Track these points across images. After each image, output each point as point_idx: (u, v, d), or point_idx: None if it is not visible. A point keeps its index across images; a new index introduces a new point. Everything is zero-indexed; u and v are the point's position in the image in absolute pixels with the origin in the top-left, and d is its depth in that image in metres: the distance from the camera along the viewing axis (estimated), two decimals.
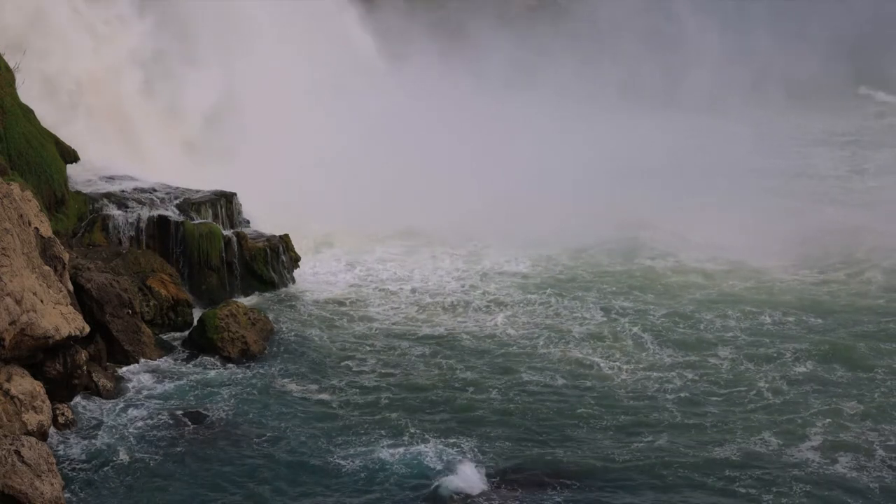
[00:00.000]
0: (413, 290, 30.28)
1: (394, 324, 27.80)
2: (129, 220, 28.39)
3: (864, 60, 57.83)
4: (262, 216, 31.02)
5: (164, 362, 25.08)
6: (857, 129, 52.06)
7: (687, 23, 56.16)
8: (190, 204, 29.55)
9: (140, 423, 22.11)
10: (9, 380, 20.78)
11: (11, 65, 28.24)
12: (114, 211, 28.60)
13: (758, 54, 55.48)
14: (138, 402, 23.04)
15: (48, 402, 21.15)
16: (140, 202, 29.13)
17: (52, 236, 23.77)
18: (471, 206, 35.02)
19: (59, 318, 21.73)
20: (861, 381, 24.08)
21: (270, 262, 29.57)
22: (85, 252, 27.13)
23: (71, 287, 23.73)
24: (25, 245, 21.82)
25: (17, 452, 18.71)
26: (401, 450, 21.01)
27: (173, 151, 34.64)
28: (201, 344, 25.61)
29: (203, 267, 28.71)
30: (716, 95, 49.51)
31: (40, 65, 30.91)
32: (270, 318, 27.09)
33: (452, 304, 29.22)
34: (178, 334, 26.62)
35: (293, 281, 29.99)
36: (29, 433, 20.16)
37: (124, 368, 24.54)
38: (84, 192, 28.86)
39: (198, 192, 30.28)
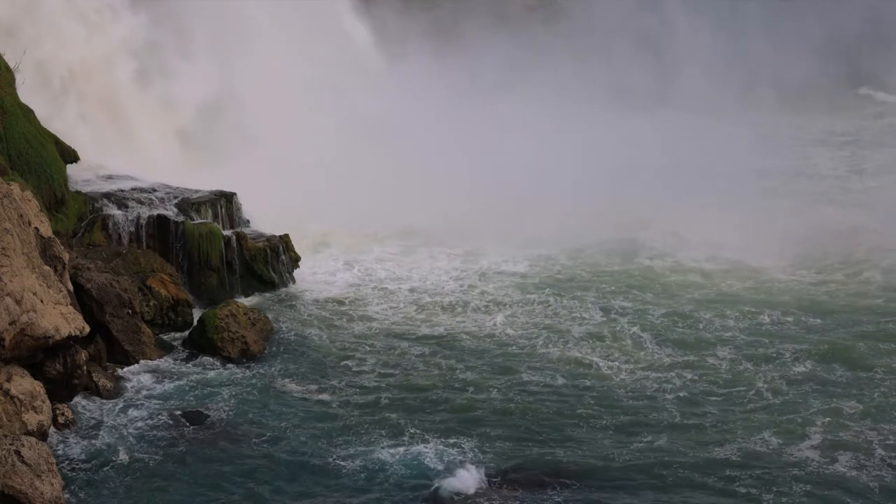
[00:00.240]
0: (412, 290, 30.30)
1: (393, 324, 27.82)
2: (129, 220, 28.40)
3: (864, 60, 57.84)
4: (260, 214, 31.02)
5: (164, 362, 25.09)
6: (857, 129, 52.08)
7: (684, 24, 56.20)
8: (190, 204, 29.57)
9: (140, 423, 22.13)
10: (9, 380, 20.78)
11: (11, 64, 28.25)
12: (114, 211, 28.62)
13: (756, 55, 55.49)
14: (138, 402, 23.05)
15: (48, 402, 21.15)
16: (140, 202, 29.15)
17: (52, 236, 23.77)
18: (469, 205, 35.03)
19: (59, 318, 21.74)
20: (860, 381, 24.12)
21: (270, 262, 29.58)
22: (85, 252, 27.13)
23: (71, 287, 23.73)
24: (25, 245, 21.82)
25: (17, 452, 18.71)
26: (401, 450, 21.03)
27: (167, 141, 34.64)
28: (201, 344, 25.63)
29: (203, 267, 28.72)
30: (714, 96, 49.49)
31: (33, 51, 30.96)
32: (270, 318, 27.11)
33: (451, 304, 29.24)
34: (178, 334, 26.64)
35: (293, 281, 30.00)
36: (29, 433, 20.16)
37: (124, 368, 24.56)
38: (84, 191, 28.87)
39: (198, 191, 30.29)
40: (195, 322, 26.47)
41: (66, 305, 22.19)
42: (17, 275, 20.93)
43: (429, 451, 20.97)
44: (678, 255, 33.05)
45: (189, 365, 25.04)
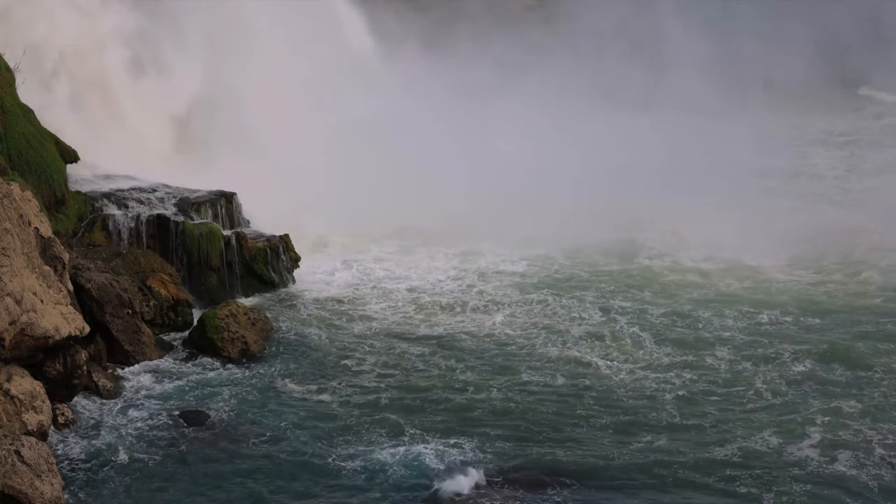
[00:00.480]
0: (411, 290, 30.31)
1: (392, 323, 27.84)
2: (129, 220, 28.41)
3: (864, 61, 57.85)
4: (259, 214, 31.02)
5: (164, 362, 25.10)
6: (855, 129, 52.10)
7: (681, 24, 56.22)
8: (190, 204, 29.56)
9: (140, 423, 22.14)
10: (9, 380, 20.79)
11: (11, 64, 28.26)
12: (114, 211, 28.63)
13: (754, 55, 55.49)
14: (138, 402, 23.07)
15: (48, 402, 21.16)
16: (140, 202, 29.15)
17: (52, 236, 23.77)
18: (467, 205, 35.03)
19: (59, 318, 21.74)
20: (859, 381, 24.15)
21: (270, 262, 29.59)
22: (85, 252, 27.14)
23: (71, 287, 23.74)
24: (25, 245, 21.83)
25: (17, 452, 18.72)
26: (400, 450, 21.05)
27: (160, 127, 34.62)
28: (201, 344, 25.64)
29: (203, 267, 28.72)
30: (712, 96, 49.48)
31: (24, 34, 30.94)
32: (270, 318, 27.12)
33: (450, 304, 29.26)
34: (178, 334, 26.63)
35: (293, 281, 30.01)
36: (29, 433, 20.16)
37: (124, 368, 24.57)
38: (84, 191, 28.88)
39: (197, 191, 30.29)
40: (195, 322, 26.48)
41: (66, 305, 22.19)
42: (17, 275, 20.94)
43: (428, 451, 20.99)
44: (677, 254, 33.07)
45: (189, 365, 25.06)
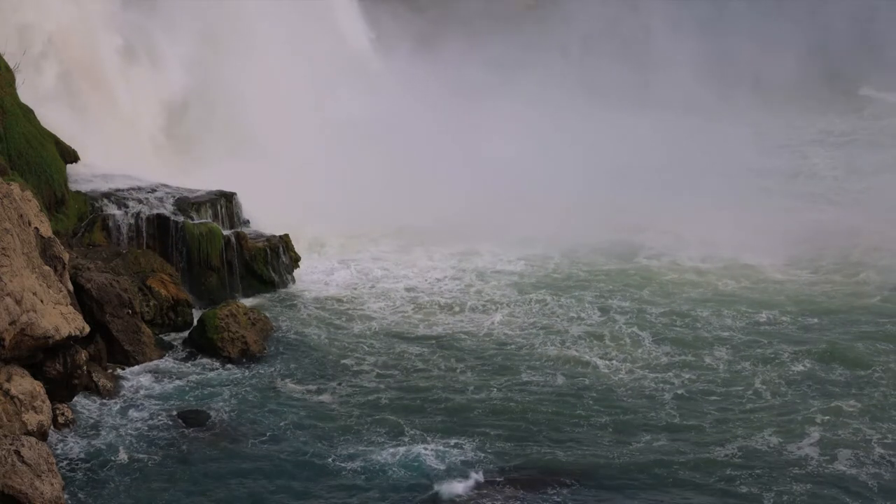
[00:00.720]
0: (410, 290, 30.34)
1: (392, 323, 27.87)
2: (129, 220, 28.42)
3: (864, 60, 57.93)
4: (254, 212, 31.02)
5: (164, 362, 25.12)
6: (854, 129, 52.15)
7: (678, 24, 56.29)
8: (190, 204, 29.57)
9: (140, 423, 22.16)
10: (9, 380, 20.79)
11: (11, 65, 28.26)
12: (114, 211, 28.64)
13: (753, 55, 55.53)
14: (138, 402, 23.09)
15: (48, 402, 21.16)
16: (140, 202, 29.16)
17: (52, 236, 23.78)
18: (466, 205, 35.08)
19: (59, 318, 21.74)
20: (858, 380, 24.19)
21: (270, 262, 29.61)
22: (85, 252, 27.15)
23: (71, 287, 23.74)
24: (25, 245, 21.83)
25: (17, 452, 18.72)
26: (401, 450, 21.07)
27: (151, 110, 34.58)
28: (201, 344, 25.66)
29: (203, 267, 28.73)
30: (711, 96, 49.57)
31: (14, 16, 30.86)
32: (270, 318, 27.15)
33: (449, 304, 29.29)
34: (178, 334, 26.66)
35: (293, 281, 30.03)
36: (29, 433, 20.17)
37: (124, 368, 24.59)
38: (84, 191, 28.89)
39: (197, 191, 30.30)
40: (195, 322, 26.50)
41: (66, 305, 22.20)
42: (17, 275, 20.94)
43: (428, 451, 21.02)
44: (675, 254, 33.12)
45: (189, 365, 25.08)
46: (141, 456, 20.91)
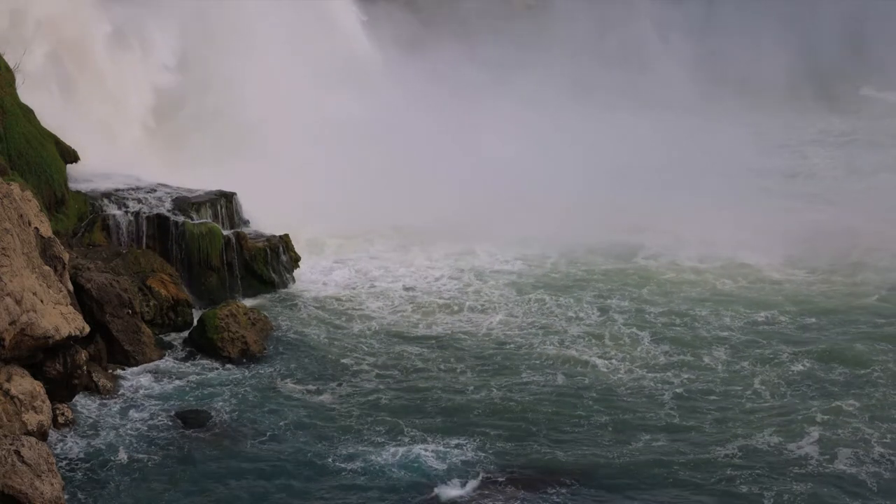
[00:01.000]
0: (409, 290, 30.37)
1: (391, 323, 27.88)
2: (129, 220, 28.43)
3: (864, 60, 57.99)
4: (253, 211, 31.04)
5: (164, 362, 25.13)
6: (854, 129, 52.20)
7: (675, 25, 56.35)
8: (190, 204, 29.58)
9: (140, 423, 22.17)
10: (9, 380, 20.80)
11: (11, 64, 28.27)
12: (114, 211, 28.65)
13: (753, 55, 55.58)
14: (138, 402, 23.10)
15: (48, 402, 21.16)
16: (140, 202, 29.17)
17: (52, 236, 23.78)
18: (465, 205, 35.11)
19: (59, 318, 21.75)
20: (857, 380, 24.23)
21: (270, 262, 29.62)
22: (85, 252, 27.15)
23: (71, 287, 23.75)
24: (25, 245, 21.84)
25: (17, 452, 18.72)
26: (401, 450, 21.09)
27: (142, 94, 34.54)
28: (201, 344, 25.68)
29: (203, 267, 28.74)
30: (710, 96, 49.62)
31: (6, 3, 30.94)
32: (270, 318, 27.17)
33: (448, 304, 29.31)
34: (178, 334, 26.66)
35: (293, 281, 30.05)
36: (29, 433, 20.17)
37: (124, 368, 24.58)
38: (84, 191, 28.90)
39: (197, 191, 30.31)
40: (195, 322, 26.51)
41: (66, 305, 22.21)
42: (17, 275, 20.95)
43: (428, 451, 21.04)
44: (674, 254, 33.15)
45: (189, 365, 25.09)
46: (141, 456, 20.92)
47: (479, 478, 20.12)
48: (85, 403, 22.87)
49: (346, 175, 35.60)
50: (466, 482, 19.99)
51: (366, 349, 26.08)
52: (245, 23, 39.23)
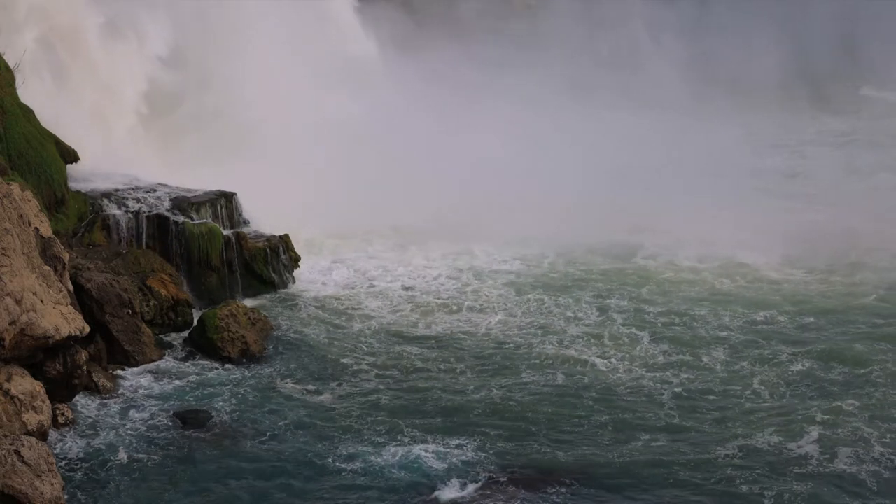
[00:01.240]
0: (408, 290, 30.37)
1: (390, 323, 27.89)
2: (129, 220, 28.44)
3: (863, 59, 58.03)
4: (256, 212, 31.05)
5: (164, 362, 25.12)
6: (853, 129, 52.24)
7: (675, 25, 56.38)
8: (190, 204, 29.58)
9: (140, 423, 22.17)
10: (9, 380, 20.81)
11: (11, 64, 28.27)
12: (114, 211, 28.65)
13: (752, 55, 55.60)
14: (138, 402, 23.10)
15: (48, 402, 21.17)
16: (140, 202, 29.18)
17: (52, 236, 23.79)
18: (464, 204, 35.10)
19: (59, 318, 21.76)
20: (857, 380, 24.23)
21: (270, 262, 29.63)
22: (85, 252, 27.15)
23: (71, 287, 23.75)
24: (25, 245, 21.85)
25: (17, 452, 18.73)
26: (401, 450, 21.10)
27: (135, 80, 34.49)
28: (201, 344, 25.68)
29: (203, 267, 28.73)
30: (708, 96, 49.63)
31: None
32: (270, 318, 27.18)
33: (447, 304, 29.32)
34: (178, 334, 26.64)
35: (293, 281, 30.05)
36: (29, 433, 20.18)
37: (124, 368, 24.58)
38: (84, 191, 28.90)
39: (197, 191, 30.32)
40: (195, 322, 26.51)
41: (66, 305, 22.21)
42: (17, 275, 20.96)
43: (428, 451, 21.05)
44: (673, 254, 33.15)
45: (189, 365, 25.09)
46: (141, 456, 20.92)
47: (479, 478, 20.14)
48: (85, 403, 22.87)
49: (346, 175, 35.59)
50: (466, 482, 20.01)
51: (365, 349, 26.10)
52: (245, 22, 39.22)
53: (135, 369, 24.60)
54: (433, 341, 26.70)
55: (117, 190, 29.54)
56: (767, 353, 25.78)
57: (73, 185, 28.80)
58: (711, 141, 44.79)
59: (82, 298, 24.44)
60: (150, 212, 28.74)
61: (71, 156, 28.66)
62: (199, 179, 31.04)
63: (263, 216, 30.93)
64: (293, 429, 22.04)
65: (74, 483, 19.91)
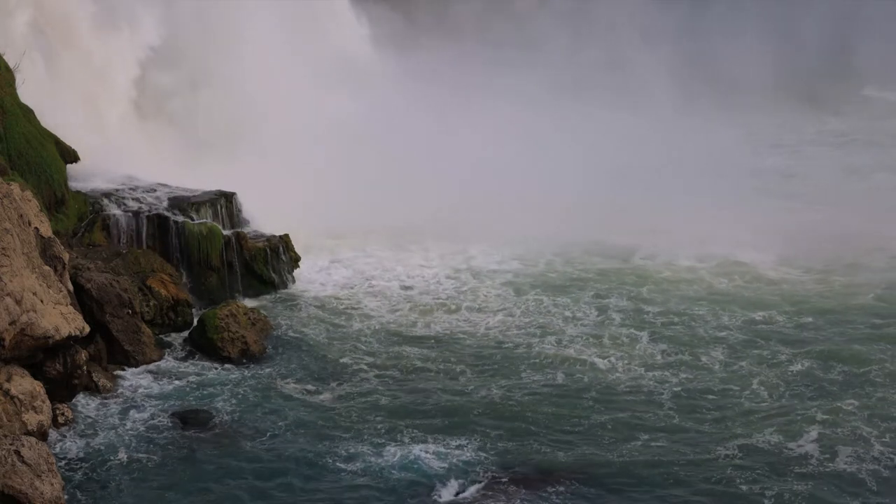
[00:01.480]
0: (407, 290, 30.39)
1: (390, 323, 27.91)
2: (129, 220, 28.45)
3: (862, 59, 58.06)
4: (256, 212, 31.06)
5: (164, 362, 25.12)
6: (853, 129, 52.28)
7: (672, 24, 56.42)
8: (190, 204, 29.59)
9: (140, 423, 22.17)
10: (9, 380, 20.82)
11: (11, 64, 28.27)
12: (114, 211, 28.66)
13: (751, 55, 55.63)
14: (138, 402, 23.10)
15: (48, 402, 21.19)
16: (140, 202, 29.20)
17: (52, 236, 23.80)
18: (463, 205, 35.12)
19: (59, 318, 21.77)
20: (856, 380, 24.23)
21: (270, 262, 29.64)
22: (85, 252, 27.16)
23: (71, 287, 23.76)
24: (25, 245, 21.86)
25: (17, 452, 18.74)
26: (400, 450, 21.10)
27: (128, 68, 34.43)
28: (201, 344, 25.68)
29: (203, 267, 28.75)
30: (709, 96, 49.68)
31: None
32: (270, 318, 27.20)
33: (446, 303, 29.34)
34: (178, 334, 26.64)
35: (293, 281, 30.07)
36: (29, 433, 20.19)
37: (124, 368, 24.58)
38: (84, 190, 28.91)
39: (197, 191, 30.34)
40: (195, 322, 26.51)
41: (66, 305, 22.23)
42: (17, 275, 20.97)
43: (428, 452, 21.05)
44: (672, 254, 33.16)
45: (189, 365, 25.09)
46: (141, 456, 20.92)
47: (479, 478, 20.15)
48: (85, 403, 22.86)
49: (345, 175, 35.61)
50: (466, 482, 20.01)
51: (365, 349, 26.12)
52: (244, 22, 39.22)
53: (135, 369, 24.60)
54: (432, 341, 26.72)
55: (117, 190, 29.57)
56: (766, 353, 25.81)
57: (73, 184, 28.82)
58: (711, 141, 44.84)
59: (82, 298, 24.44)
60: (150, 212, 28.76)
61: (71, 156, 28.66)
62: (199, 179, 31.05)
63: (263, 216, 30.96)
64: (293, 429, 22.04)
65: (74, 483, 19.92)
